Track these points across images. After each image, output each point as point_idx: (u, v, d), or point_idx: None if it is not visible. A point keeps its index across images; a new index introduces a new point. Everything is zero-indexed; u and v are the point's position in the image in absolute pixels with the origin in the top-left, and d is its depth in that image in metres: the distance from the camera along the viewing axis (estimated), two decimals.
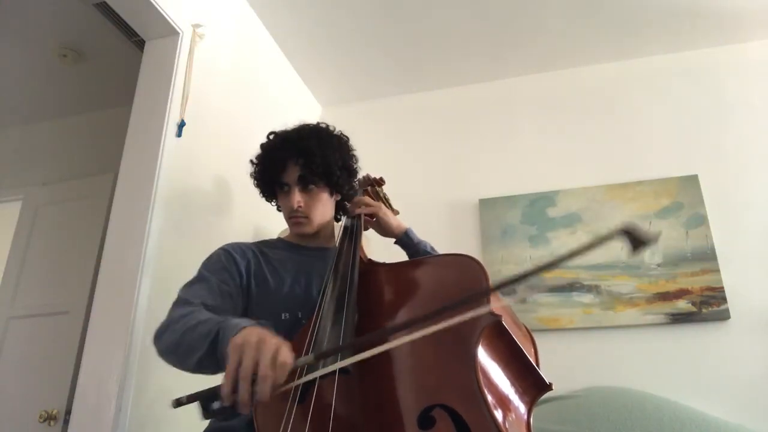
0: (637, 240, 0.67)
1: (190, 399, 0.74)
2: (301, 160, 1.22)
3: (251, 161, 1.34)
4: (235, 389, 0.72)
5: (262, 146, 1.33)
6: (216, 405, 0.74)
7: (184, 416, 1.59)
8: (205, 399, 0.74)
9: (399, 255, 1.35)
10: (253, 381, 0.72)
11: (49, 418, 2.13)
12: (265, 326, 0.84)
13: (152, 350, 1.55)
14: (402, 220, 1.45)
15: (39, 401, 2.20)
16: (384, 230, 1.44)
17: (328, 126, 1.33)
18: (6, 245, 2.77)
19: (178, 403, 0.74)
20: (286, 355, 0.75)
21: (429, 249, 1.41)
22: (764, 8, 2.42)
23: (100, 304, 1.59)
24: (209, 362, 0.89)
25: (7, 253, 2.73)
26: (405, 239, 1.41)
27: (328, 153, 1.24)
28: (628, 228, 0.67)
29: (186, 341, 0.93)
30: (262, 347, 0.74)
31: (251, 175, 1.35)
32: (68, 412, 1.98)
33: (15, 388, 2.33)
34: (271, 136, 1.33)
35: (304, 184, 1.23)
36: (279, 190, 1.29)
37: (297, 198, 1.23)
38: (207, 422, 1.11)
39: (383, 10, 2.42)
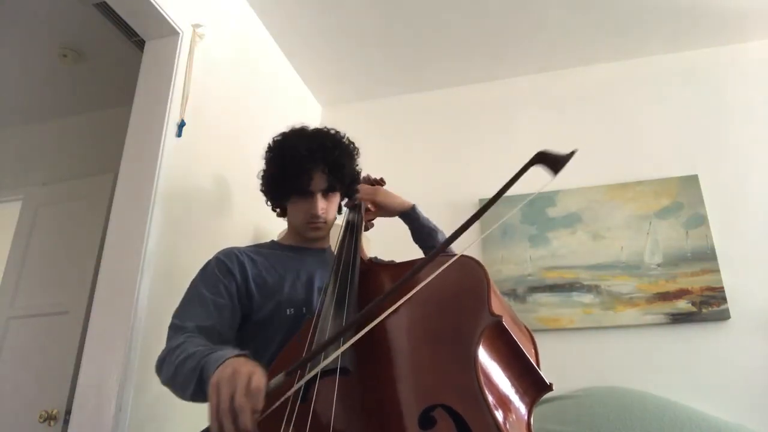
0: (553, 162, 0.68)
1: None
2: (327, 169, 1.25)
3: (265, 166, 1.32)
4: (221, 428, 0.73)
5: (281, 150, 1.28)
6: None
7: (184, 416, 1.60)
8: None
9: (400, 255, 1.35)
10: (235, 415, 0.73)
11: (49, 418, 2.13)
12: (246, 356, 0.85)
13: (152, 350, 1.56)
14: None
15: (39, 401, 2.20)
16: (389, 211, 1.46)
17: (338, 132, 1.34)
18: (6, 245, 2.77)
19: None
20: (258, 380, 0.76)
21: (433, 226, 1.44)
22: (765, 8, 2.42)
23: (100, 304, 1.59)
24: (201, 396, 0.90)
25: (7, 253, 2.73)
26: (412, 213, 1.44)
27: (350, 163, 1.31)
28: (541, 154, 0.68)
29: (179, 376, 0.96)
30: (235, 379, 0.76)
31: (261, 176, 1.34)
32: (68, 412, 1.98)
33: (15, 388, 2.33)
34: (288, 141, 1.29)
35: (328, 192, 1.28)
36: (298, 195, 1.27)
37: (322, 205, 1.26)
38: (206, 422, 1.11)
39: (383, 10, 2.41)
